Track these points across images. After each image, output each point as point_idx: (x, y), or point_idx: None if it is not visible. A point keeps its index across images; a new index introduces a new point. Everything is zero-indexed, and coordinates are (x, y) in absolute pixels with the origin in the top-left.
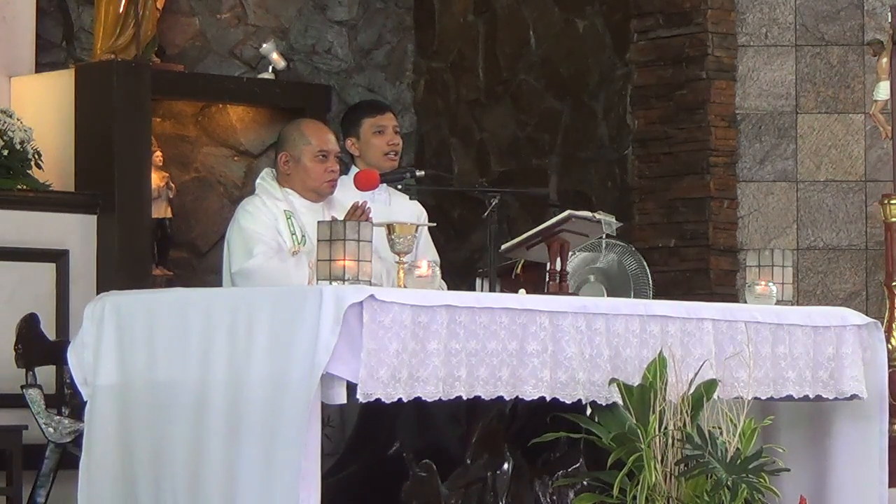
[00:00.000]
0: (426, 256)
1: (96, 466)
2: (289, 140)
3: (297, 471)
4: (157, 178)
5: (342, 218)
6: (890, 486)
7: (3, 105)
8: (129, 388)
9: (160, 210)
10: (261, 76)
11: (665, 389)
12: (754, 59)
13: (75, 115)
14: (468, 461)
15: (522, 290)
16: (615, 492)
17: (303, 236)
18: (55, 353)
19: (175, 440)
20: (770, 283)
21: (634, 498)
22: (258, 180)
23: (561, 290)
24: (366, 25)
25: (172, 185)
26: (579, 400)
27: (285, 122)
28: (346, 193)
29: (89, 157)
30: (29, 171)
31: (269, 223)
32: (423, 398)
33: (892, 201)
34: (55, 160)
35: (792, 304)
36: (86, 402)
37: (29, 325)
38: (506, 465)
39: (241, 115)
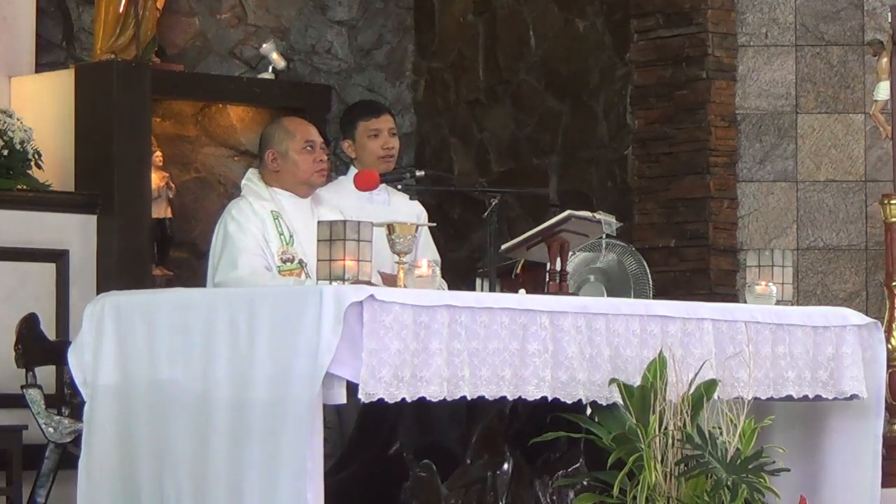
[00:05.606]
0: (426, 256)
1: (96, 466)
2: (273, 138)
3: (303, 470)
4: (157, 178)
5: (331, 216)
6: (886, 486)
7: (3, 105)
8: (129, 388)
9: (160, 210)
10: (261, 76)
11: (665, 389)
12: (754, 59)
13: (75, 115)
14: (468, 461)
15: (522, 290)
16: (615, 492)
17: (291, 236)
18: (55, 353)
19: (177, 440)
20: (770, 283)
21: (634, 498)
22: (244, 181)
23: (561, 290)
24: (366, 25)
25: (172, 185)
26: (579, 400)
27: None
28: (346, 194)
29: (89, 157)
30: (29, 171)
31: (256, 230)
32: (428, 398)
33: (892, 201)
34: (55, 160)
35: (792, 304)
36: (85, 403)
37: (29, 325)
38: (506, 465)
39: (241, 115)
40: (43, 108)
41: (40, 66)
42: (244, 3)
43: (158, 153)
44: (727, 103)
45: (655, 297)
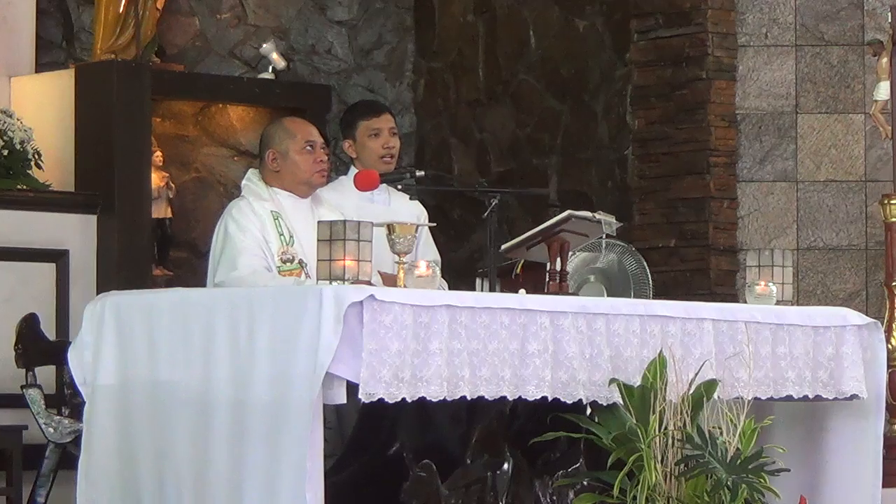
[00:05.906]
0: (427, 256)
1: (95, 466)
2: (274, 138)
3: (303, 471)
4: (157, 178)
5: (331, 216)
6: (886, 486)
7: (3, 105)
8: (129, 388)
9: (160, 210)
10: (261, 76)
11: (665, 389)
12: (754, 59)
13: (75, 115)
14: (468, 461)
15: (522, 290)
16: (615, 492)
17: (290, 236)
18: (55, 353)
19: (178, 440)
20: (770, 283)
21: (634, 498)
22: (244, 181)
23: (561, 290)
24: (366, 25)
25: (172, 185)
26: (579, 400)
27: None
28: (347, 194)
29: (89, 157)
30: (29, 171)
31: (256, 231)
32: (428, 398)
33: (892, 201)
34: (55, 160)
35: (792, 304)
36: (85, 403)
37: (29, 325)
38: (506, 465)
39: (241, 115)
40: (43, 108)
41: (40, 66)
42: (244, 3)
43: (158, 153)
44: (727, 103)
45: (655, 297)
